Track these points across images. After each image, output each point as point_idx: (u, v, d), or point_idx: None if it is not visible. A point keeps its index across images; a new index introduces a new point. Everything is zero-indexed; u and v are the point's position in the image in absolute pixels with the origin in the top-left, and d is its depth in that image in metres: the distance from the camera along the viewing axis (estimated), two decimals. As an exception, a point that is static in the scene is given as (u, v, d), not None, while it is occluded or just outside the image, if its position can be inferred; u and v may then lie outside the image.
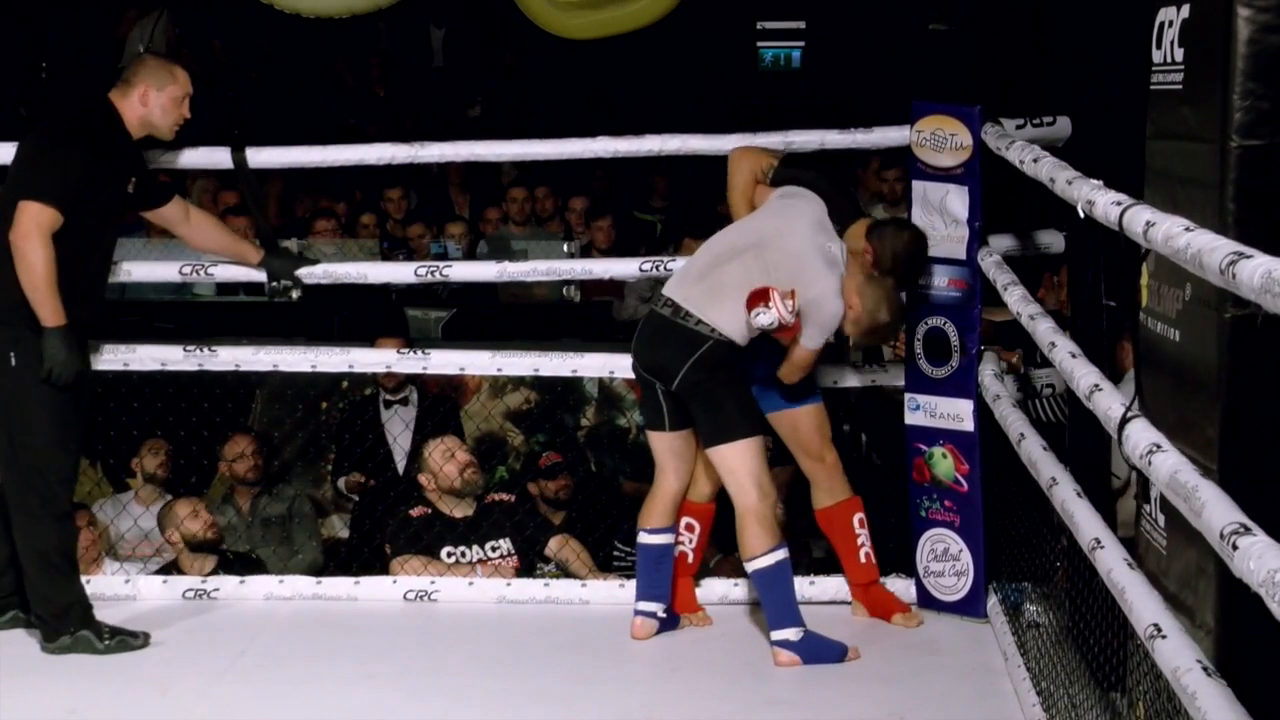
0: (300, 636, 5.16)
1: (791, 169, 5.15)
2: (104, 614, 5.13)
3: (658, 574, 5.10)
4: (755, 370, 5.06)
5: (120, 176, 5.00)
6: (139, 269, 5.75)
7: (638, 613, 5.09)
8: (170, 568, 5.93)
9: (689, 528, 5.19)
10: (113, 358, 5.53)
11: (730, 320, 4.85)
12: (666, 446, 5.06)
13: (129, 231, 9.06)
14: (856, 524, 5.25)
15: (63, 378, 4.82)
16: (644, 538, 5.11)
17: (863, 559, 5.27)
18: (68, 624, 4.88)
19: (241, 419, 7.06)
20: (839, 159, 5.31)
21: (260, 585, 5.52)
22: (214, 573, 5.77)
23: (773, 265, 4.87)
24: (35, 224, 4.74)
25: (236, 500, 6.58)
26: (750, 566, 4.89)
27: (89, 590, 5.34)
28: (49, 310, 4.77)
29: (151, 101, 4.98)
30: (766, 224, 5.00)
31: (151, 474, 6.64)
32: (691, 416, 4.95)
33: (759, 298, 4.79)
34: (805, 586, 5.26)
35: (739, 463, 4.85)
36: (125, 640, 4.91)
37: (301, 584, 5.53)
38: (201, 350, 5.49)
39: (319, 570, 6.23)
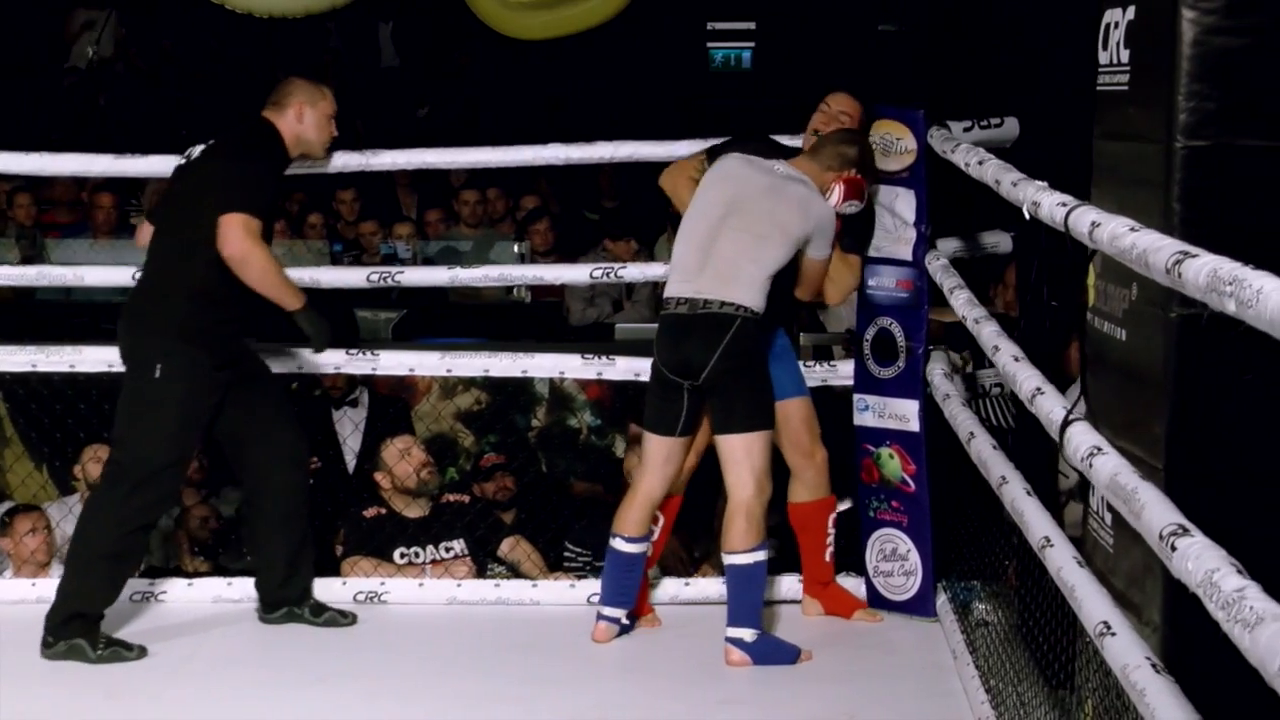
0: (250, 639, 5.13)
1: (713, 153, 5.16)
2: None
3: (627, 580, 5.04)
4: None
5: (284, 193, 5.06)
6: (91, 274, 5.74)
7: (601, 617, 5.05)
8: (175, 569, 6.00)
9: (652, 519, 5.12)
10: (59, 359, 5.50)
11: (747, 291, 4.80)
12: (665, 452, 4.97)
13: (76, 233, 9.03)
14: (829, 523, 5.26)
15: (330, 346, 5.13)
16: (618, 544, 5.01)
17: (827, 558, 5.28)
18: (68, 631, 4.82)
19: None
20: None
21: (208, 588, 5.48)
22: (206, 575, 5.76)
23: (753, 220, 4.84)
24: (246, 231, 4.80)
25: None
26: (728, 560, 4.83)
27: (36, 594, 5.31)
28: (290, 295, 4.91)
29: (307, 118, 5.04)
30: (718, 193, 4.94)
31: (94, 481, 6.57)
32: (707, 413, 4.92)
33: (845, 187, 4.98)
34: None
35: (744, 454, 4.82)
36: (118, 651, 4.85)
37: (250, 586, 5.49)
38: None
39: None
